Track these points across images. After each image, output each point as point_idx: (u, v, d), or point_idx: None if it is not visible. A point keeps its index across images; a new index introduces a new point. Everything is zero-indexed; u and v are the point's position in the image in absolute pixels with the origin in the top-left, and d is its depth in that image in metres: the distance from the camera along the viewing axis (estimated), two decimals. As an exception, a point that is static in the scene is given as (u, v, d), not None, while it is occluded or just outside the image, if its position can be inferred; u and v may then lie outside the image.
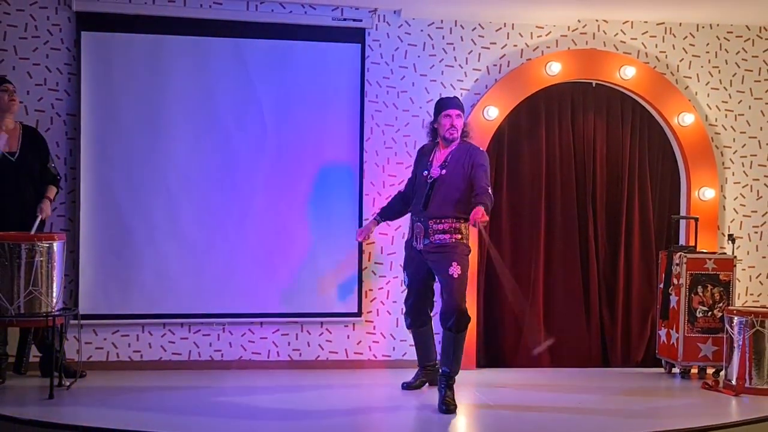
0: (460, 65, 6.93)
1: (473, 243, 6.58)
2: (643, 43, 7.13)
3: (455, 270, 5.64)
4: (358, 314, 6.75)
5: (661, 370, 6.92)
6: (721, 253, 6.85)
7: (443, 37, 6.91)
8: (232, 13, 6.57)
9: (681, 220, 7.14)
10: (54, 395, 5.51)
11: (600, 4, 6.61)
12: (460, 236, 5.74)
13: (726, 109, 7.24)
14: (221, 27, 6.55)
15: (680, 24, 7.17)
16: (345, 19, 6.70)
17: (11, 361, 6.05)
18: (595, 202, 7.10)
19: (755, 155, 7.28)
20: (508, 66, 6.97)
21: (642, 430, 5.18)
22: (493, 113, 6.82)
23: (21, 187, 5.92)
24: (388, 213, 6.23)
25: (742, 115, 7.25)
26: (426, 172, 5.84)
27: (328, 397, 5.91)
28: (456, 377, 5.66)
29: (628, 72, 6.96)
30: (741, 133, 7.25)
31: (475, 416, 5.60)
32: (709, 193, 7.08)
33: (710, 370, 6.64)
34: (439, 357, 6.02)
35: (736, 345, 6.18)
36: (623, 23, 7.11)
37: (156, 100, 6.48)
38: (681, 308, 6.61)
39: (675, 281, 6.71)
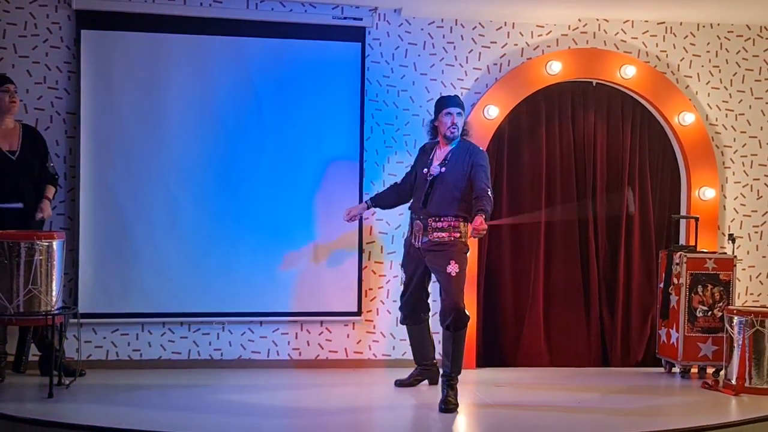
0: (460, 64, 6.92)
1: (473, 241, 6.60)
2: (643, 43, 7.13)
3: (453, 268, 5.65)
4: (358, 313, 6.75)
5: (661, 369, 6.92)
6: (721, 253, 6.85)
7: (443, 36, 6.90)
8: (232, 12, 6.57)
9: (681, 220, 7.13)
10: (53, 394, 5.50)
11: (600, 3, 6.60)
12: (458, 235, 5.74)
13: (726, 109, 7.23)
14: (221, 25, 6.54)
15: (681, 23, 7.16)
16: (345, 18, 6.69)
17: (11, 359, 6.04)
18: (595, 201, 7.10)
19: (755, 155, 7.27)
20: (508, 65, 6.96)
21: (642, 429, 5.18)
22: (494, 112, 6.81)
23: (21, 186, 5.91)
24: (380, 201, 6.25)
25: (743, 114, 7.25)
26: (426, 170, 5.85)
27: (327, 396, 5.91)
28: (458, 377, 5.65)
29: (629, 71, 6.95)
30: (741, 132, 7.25)
31: (474, 415, 5.60)
32: (709, 193, 7.07)
33: (710, 370, 6.64)
34: (437, 356, 6.04)
35: (736, 344, 6.18)
36: (624, 22, 7.10)
37: (156, 99, 6.47)
38: (681, 308, 6.61)
39: (675, 281, 6.71)
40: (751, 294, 7.26)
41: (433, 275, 5.90)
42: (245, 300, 6.57)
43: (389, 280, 6.81)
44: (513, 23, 6.96)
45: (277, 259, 6.61)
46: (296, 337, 6.71)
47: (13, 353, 6.06)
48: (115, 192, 6.42)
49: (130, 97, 6.44)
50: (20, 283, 5.48)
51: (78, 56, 6.37)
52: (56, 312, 5.62)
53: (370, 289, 6.80)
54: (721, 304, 6.60)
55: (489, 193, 5.61)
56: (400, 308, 6.17)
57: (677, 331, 6.63)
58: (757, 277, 7.28)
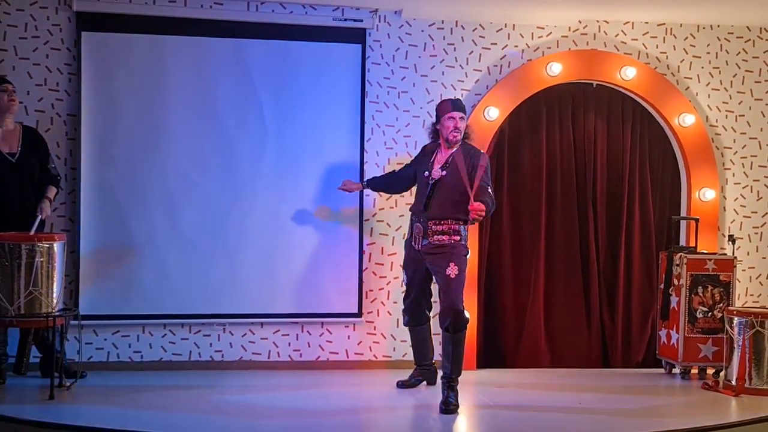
0: (460, 66, 6.93)
1: (474, 244, 6.61)
2: (643, 44, 7.13)
3: (452, 270, 5.66)
4: (359, 315, 6.75)
5: (662, 370, 6.92)
6: (721, 254, 6.85)
7: (444, 38, 6.91)
8: (232, 14, 6.57)
9: (681, 221, 7.14)
10: (54, 396, 5.51)
11: (601, 4, 6.61)
12: (458, 237, 5.76)
13: (726, 110, 7.24)
14: (222, 27, 6.55)
15: (681, 25, 7.17)
16: (346, 20, 6.70)
17: (11, 361, 6.04)
18: (595, 203, 7.10)
19: (755, 156, 7.28)
20: (508, 66, 6.97)
21: (642, 430, 5.19)
22: (494, 114, 6.82)
23: (21, 187, 5.91)
24: (375, 184, 6.39)
25: (743, 115, 7.26)
26: (427, 173, 5.86)
27: (328, 397, 5.91)
28: (458, 378, 5.66)
29: (629, 73, 6.95)
30: (741, 134, 7.26)
31: (475, 417, 5.61)
32: (709, 194, 7.08)
33: (710, 371, 6.65)
34: (437, 357, 6.04)
35: (736, 345, 6.18)
36: (624, 24, 7.11)
37: (156, 101, 6.48)
38: (681, 309, 6.62)
39: (675, 282, 6.71)
40: (751, 295, 7.27)
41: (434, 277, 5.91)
42: (246, 301, 6.57)
43: (390, 282, 6.81)
44: (513, 25, 6.97)
45: (278, 259, 6.61)
46: (297, 339, 6.72)
47: (14, 355, 6.05)
48: (116, 194, 6.42)
49: (131, 99, 6.44)
50: (21, 284, 5.49)
51: (78, 58, 6.38)
52: (57, 314, 5.63)
53: (371, 290, 6.80)
54: (721, 305, 6.60)
55: (490, 190, 5.64)
56: (404, 311, 6.17)
57: (677, 332, 6.63)
58: (757, 278, 7.28)
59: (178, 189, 6.50)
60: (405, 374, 6.29)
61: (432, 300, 6.17)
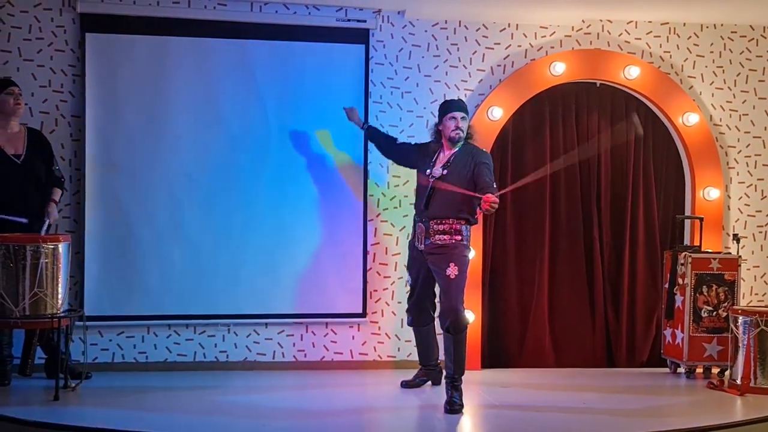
0: (464, 66, 6.93)
1: (477, 244, 6.61)
2: (647, 43, 7.13)
3: (452, 271, 5.66)
4: (363, 315, 6.75)
5: (666, 370, 6.91)
6: (725, 253, 6.84)
7: (447, 38, 6.91)
8: (236, 15, 6.57)
9: (686, 220, 7.13)
10: (59, 397, 5.51)
11: (604, 4, 6.61)
12: (460, 237, 5.76)
13: (730, 109, 7.23)
14: (225, 28, 6.55)
15: (684, 24, 7.16)
16: (349, 20, 6.70)
17: (16, 362, 6.05)
18: (599, 202, 7.10)
19: (759, 155, 7.27)
20: (512, 66, 6.97)
21: (647, 429, 5.18)
22: (498, 114, 6.82)
23: (26, 190, 5.92)
24: (373, 135, 6.37)
25: (747, 114, 7.25)
26: (428, 171, 5.86)
27: (333, 397, 5.92)
28: (462, 378, 5.66)
29: (633, 72, 6.95)
30: (745, 132, 7.25)
31: (480, 416, 5.60)
32: (713, 193, 7.07)
33: (715, 370, 6.64)
34: (441, 357, 6.04)
35: (741, 344, 6.18)
36: (627, 23, 7.10)
37: (160, 101, 6.49)
38: (686, 308, 6.61)
39: (680, 281, 6.70)
40: (756, 294, 7.26)
41: (435, 277, 5.92)
42: (250, 302, 6.58)
43: (394, 282, 6.81)
44: (516, 24, 6.97)
45: (282, 260, 6.62)
46: (301, 339, 6.72)
47: (19, 356, 6.06)
48: (121, 195, 6.43)
49: (135, 99, 6.45)
50: (26, 286, 5.50)
51: (82, 59, 6.39)
52: (62, 315, 5.63)
53: (375, 290, 6.80)
54: (726, 304, 6.59)
55: (494, 186, 5.65)
56: (408, 311, 6.18)
57: (682, 331, 6.63)
58: (761, 277, 7.27)
59: (182, 190, 6.50)
60: (409, 374, 6.29)
61: (436, 300, 6.17)
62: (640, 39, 7.12)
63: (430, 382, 6.23)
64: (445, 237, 5.75)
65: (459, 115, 5.83)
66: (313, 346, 6.73)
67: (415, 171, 6.14)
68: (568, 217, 7.06)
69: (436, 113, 6.08)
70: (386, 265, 6.83)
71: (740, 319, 6.20)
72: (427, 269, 5.90)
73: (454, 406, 5.51)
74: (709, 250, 6.84)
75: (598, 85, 7.10)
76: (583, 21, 7.02)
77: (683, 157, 7.20)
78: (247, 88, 6.58)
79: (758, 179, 7.26)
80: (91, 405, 5.49)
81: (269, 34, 6.62)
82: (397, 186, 6.80)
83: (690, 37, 7.18)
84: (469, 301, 6.06)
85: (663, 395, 6.24)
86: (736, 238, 6.74)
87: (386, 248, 6.83)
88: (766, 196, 7.27)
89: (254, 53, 6.60)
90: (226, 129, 6.56)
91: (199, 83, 6.52)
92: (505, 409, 5.66)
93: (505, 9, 6.66)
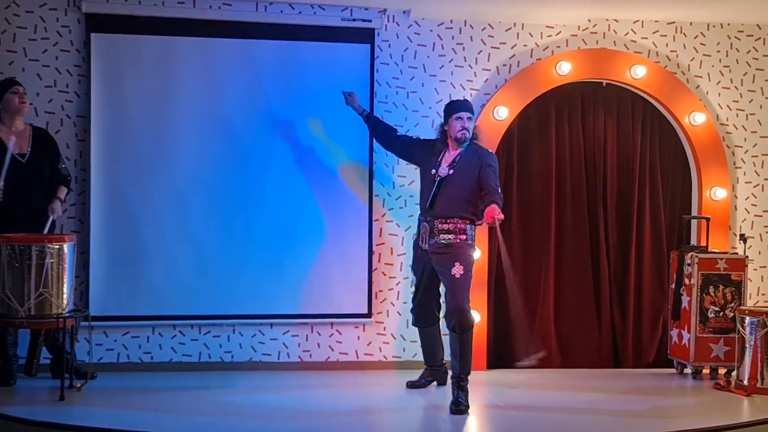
0: (469, 65, 6.91)
1: (483, 243, 6.60)
2: (653, 43, 7.11)
3: (458, 270, 5.65)
4: (368, 315, 6.74)
5: (673, 370, 6.89)
6: (732, 253, 6.82)
7: (453, 37, 6.90)
8: (241, 14, 6.57)
9: (692, 220, 7.11)
10: (65, 397, 5.52)
11: (610, 3, 6.59)
12: (465, 237, 5.75)
13: (737, 109, 7.21)
14: (230, 28, 6.55)
15: (691, 23, 7.14)
16: (354, 20, 6.70)
17: (22, 362, 6.05)
18: (605, 202, 7.08)
19: (766, 155, 7.24)
20: (518, 66, 6.95)
21: (653, 430, 5.18)
22: (503, 113, 6.80)
23: (31, 189, 5.93)
24: (374, 124, 6.30)
25: (754, 114, 7.22)
26: (434, 171, 5.85)
27: (338, 397, 5.91)
28: (468, 378, 5.65)
29: (639, 71, 6.93)
30: (752, 132, 7.22)
31: (485, 417, 5.60)
32: (720, 193, 7.05)
33: (722, 371, 6.62)
34: (447, 358, 6.03)
35: (747, 345, 6.16)
36: (634, 22, 7.08)
37: (165, 101, 6.49)
38: (692, 308, 6.59)
39: (686, 281, 6.68)
40: (763, 294, 7.23)
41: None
42: (255, 302, 6.57)
43: (399, 282, 6.81)
44: (522, 24, 6.95)
45: (287, 260, 6.61)
46: (306, 339, 6.71)
47: (25, 356, 6.07)
48: (126, 195, 6.43)
49: (140, 99, 6.45)
50: (31, 286, 5.50)
51: (88, 59, 6.39)
52: (67, 315, 5.63)
53: (381, 290, 6.80)
54: (732, 304, 6.58)
55: (499, 191, 5.63)
56: (412, 311, 6.18)
57: (689, 331, 6.61)
58: (768, 278, 7.27)
59: (187, 190, 6.50)
60: (415, 375, 6.28)
61: (441, 300, 6.16)
62: (646, 38, 7.10)
63: (435, 383, 6.23)
64: (450, 236, 5.74)
65: (465, 115, 5.83)
66: (318, 347, 6.73)
67: (419, 170, 6.13)
68: (574, 217, 7.04)
69: (442, 113, 6.07)
70: (392, 265, 6.81)
71: (747, 319, 6.18)
72: (431, 269, 5.88)
73: (459, 407, 5.50)
74: (716, 251, 6.82)
75: (604, 84, 7.09)
76: (589, 20, 7.00)
77: (690, 156, 7.18)
78: (252, 87, 6.58)
79: (765, 179, 7.23)
80: (97, 405, 5.49)
81: (274, 33, 6.62)
82: (403, 186, 6.79)
83: (696, 36, 7.16)
84: (475, 301, 6.04)
85: (669, 396, 6.23)
86: (743, 238, 6.72)
87: (392, 248, 6.82)
88: (773, 196, 7.26)
89: (259, 53, 6.60)
90: (231, 129, 6.56)
91: (204, 83, 6.52)
92: (510, 410, 5.66)
93: (511, 8, 6.64)
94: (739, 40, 7.20)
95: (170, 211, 6.48)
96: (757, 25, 7.20)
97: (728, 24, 7.17)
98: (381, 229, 6.80)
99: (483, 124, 6.58)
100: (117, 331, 6.48)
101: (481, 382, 6.28)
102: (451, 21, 6.88)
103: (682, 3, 6.60)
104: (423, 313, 6.10)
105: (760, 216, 7.24)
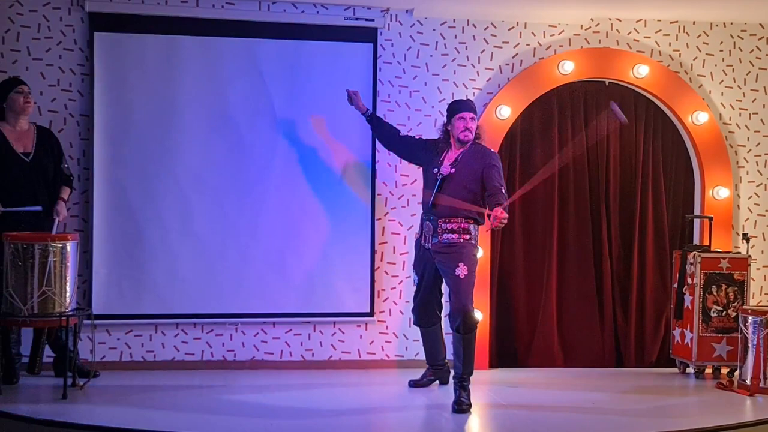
0: (472, 64, 6.91)
1: (485, 243, 6.60)
2: (656, 42, 7.10)
3: (462, 270, 5.65)
4: (371, 314, 6.75)
5: (675, 370, 6.89)
6: (735, 253, 6.81)
7: (455, 37, 6.90)
8: (244, 13, 6.58)
9: (695, 220, 7.11)
10: (68, 395, 5.53)
11: (613, 2, 6.58)
12: (468, 236, 5.75)
13: (740, 108, 7.20)
14: (233, 27, 6.56)
15: (694, 22, 7.14)
16: (357, 19, 6.70)
17: (25, 361, 6.06)
18: (608, 201, 7.08)
19: (769, 154, 7.26)
20: (520, 65, 6.95)
21: (656, 430, 5.17)
22: (506, 112, 6.80)
23: (35, 188, 5.93)
24: (377, 124, 6.28)
25: (756, 113, 7.22)
26: (436, 169, 5.85)
27: (340, 396, 5.91)
28: (470, 377, 5.65)
29: (642, 71, 6.93)
30: (755, 131, 7.22)
31: (488, 416, 5.60)
32: (723, 192, 7.04)
33: (725, 370, 6.62)
34: (449, 357, 6.04)
35: (750, 345, 6.15)
36: (636, 22, 7.08)
37: (168, 101, 6.49)
38: (695, 308, 6.59)
39: (689, 281, 6.68)
40: (766, 294, 7.23)
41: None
42: (258, 301, 6.58)
43: (402, 281, 6.81)
44: (525, 23, 6.95)
45: (290, 259, 6.62)
46: (309, 338, 6.72)
47: (28, 355, 6.08)
48: (129, 193, 6.44)
49: (143, 98, 6.46)
50: (34, 284, 5.51)
51: (91, 58, 6.40)
52: (70, 313, 5.64)
53: (383, 289, 6.80)
54: (735, 304, 6.57)
55: (503, 191, 5.62)
56: (413, 310, 6.18)
57: (691, 331, 6.60)
58: (771, 277, 7.26)
59: (190, 188, 6.51)
60: (417, 374, 6.28)
61: (443, 300, 6.17)
62: (649, 37, 7.10)
63: (437, 382, 6.23)
64: (454, 236, 5.73)
65: (468, 115, 5.83)
66: (321, 346, 6.73)
67: (422, 169, 6.13)
68: (576, 216, 7.04)
69: (445, 112, 6.07)
70: (394, 264, 6.82)
71: (750, 318, 6.17)
72: (433, 268, 5.88)
73: (462, 406, 5.51)
74: (719, 250, 6.82)
75: (607, 84, 7.08)
76: (591, 20, 7.00)
77: (692, 156, 7.17)
78: (255, 86, 6.58)
79: (768, 178, 7.25)
80: (99, 403, 5.50)
81: (277, 32, 6.62)
82: (405, 185, 6.80)
83: (699, 35, 7.15)
84: (478, 300, 6.04)
85: (672, 395, 6.23)
86: (746, 237, 6.72)
87: (394, 247, 6.82)
88: (776, 196, 7.25)
89: (262, 52, 6.60)
90: (235, 127, 6.56)
91: (207, 82, 6.53)
92: (513, 409, 5.66)
93: (514, 8, 6.64)
94: (742, 39, 7.19)
95: (173, 210, 6.49)
96: (760, 24, 7.19)
97: (731, 23, 7.16)
98: (383, 227, 6.80)
99: (486, 123, 6.58)
100: (120, 330, 6.49)
101: (484, 381, 6.29)
102: (454, 20, 6.89)
103: (684, 2, 6.59)
104: (424, 312, 6.10)
105: (763, 215, 7.23)
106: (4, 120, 5.96)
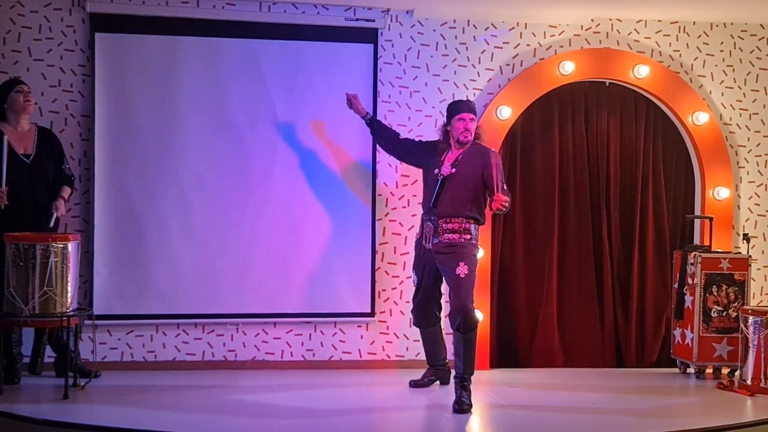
0: (473, 65, 6.92)
1: (486, 243, 6.61)
2: (656, 42, 7.11)
3: (462, 270, 5.66)
4: (372, 314, 6.75)
5: (676, 370, 6.89)
6: (735, 253, 6.81)
7: (456, 37, 6.90)
8: (244, 14, 6.58)
9: (695, 220, 7.11)
10: (69, 395, 5.53)
11: (613, 3, 6.59)
12: (469, 236, 5.76)
13: (740, 108, 7.21)
14: (234, 28, 6.56)
15: (694, 23, 7.14)
16: (357, 20, 6.70)
17: (26, 361, 6.07)
18: (608, 202, 7.08)
19: (770, 154, 7.26)
20: (521, 65, 6.96)
21: (657, 430, 5.18)
22: (506, 113, 6.81)
23: (35, 188, 5.94)
24: (377, 127, 6.29)
25: (757, 114, 7.22)
26: (437, 170, 5.86)
27: (341, 396, 5.92)
28: (471, 377, 5.66)
29: (642, 71, 6.93)
30: (755, 132, 7.22)
31: (489, 416, 5.60)
32: (723, 193, 7.04)
33: (725, 370, 6.62)
34: (449, 357, 6.04)
35: (751, 345, 6.16)
36: (637, 22, 7.08)
37: (169, 101, 6.50)
38: (696, 308, 6.59)
39: (689, 281, 6.68)
40: (766, 294, 7.23)
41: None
42: (259, 301, 6.58)
43: (402, 281, 6.81)
44: (525, 24, 6.96)
45: (291, 259, 6.62)
46: (310, 338, 6.72)
47: (29, 355, 6.09)
48: (130, 194, 6.45)
49: (144, 99, 6.46)
50: (36, 285, 5.52)
51: (92, 59, 6.40)
52: (71, 314, 5.65)
53: (384, 290, 6.80)
54: (735, 304, 6.57)
55: (505, 188, 5.64)
56: (412, 311, 6.18)
57: (692, 331, 6.61)
58: (772, 277, 7.26)
59: (191, 189, 6.51)
60: (418, 374, 6.29)
61: (443, 301, 6.17)
62: (649, 38, 7.10)
63: (438, 382, 6.23)
64: (455, 236, 5.74)
65: (468, 116, 5.83)
66: (322, 346, 6.73)
67: (422, 171, 6.14)
68: (577, 216, 7.04)
69: (445, 113, 6.07)
70: (395, 264, 6.82)
71: (750, 319, 6.18)
72: (433, 269, 5.89)
73: (462, 406, 5.51)
74: (719, 250, 6.82)
75: (607, 84, 7.09)
76: (592, 20, 7.00)
77: (693, 156, 7.17)
78: (256, 87, 6.59)
79: (768, 178, 7.25)
80: (100, 403, 5.51)
81: (278, 33, 6.62)
82: (406, 185, 6.80)
83: (700, 35, 7.16)
84: (478, 300, 6.04)
85: (672, 395, 6.23)
86: (746, 237, 6.71)
87: (395, 247, 6.82)
88: (776, 196, 7.25)
89: (263, 53, 6.60)
90: (235, 128, 6.57)
91: (208, 83, 6.53)
92: (513, 409, 5.66)
93: (514, 8, 6.65)
94: (743, 39, 7.20)
95: (174, 210, 6.50)
96: (761, 25, 7.20)
97: (731, 23, 7.17)
98: (384, 228, 6.80)
99: (486, 123, 6.59)
100: (121, 330, 6.49)
101: (484, 381, 6.29)
102: (454, 21, 6.89)
103: (685, 2, 6.60)
104: (424, 313, 6.10)
105: (764, 215, 7.23)
106: (5, 121, 5.96)
